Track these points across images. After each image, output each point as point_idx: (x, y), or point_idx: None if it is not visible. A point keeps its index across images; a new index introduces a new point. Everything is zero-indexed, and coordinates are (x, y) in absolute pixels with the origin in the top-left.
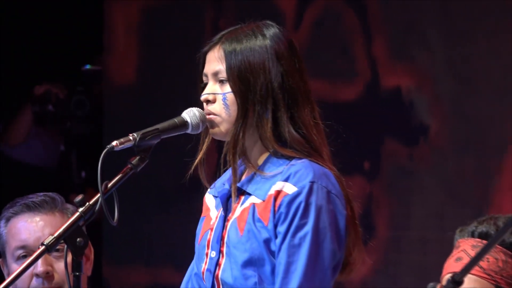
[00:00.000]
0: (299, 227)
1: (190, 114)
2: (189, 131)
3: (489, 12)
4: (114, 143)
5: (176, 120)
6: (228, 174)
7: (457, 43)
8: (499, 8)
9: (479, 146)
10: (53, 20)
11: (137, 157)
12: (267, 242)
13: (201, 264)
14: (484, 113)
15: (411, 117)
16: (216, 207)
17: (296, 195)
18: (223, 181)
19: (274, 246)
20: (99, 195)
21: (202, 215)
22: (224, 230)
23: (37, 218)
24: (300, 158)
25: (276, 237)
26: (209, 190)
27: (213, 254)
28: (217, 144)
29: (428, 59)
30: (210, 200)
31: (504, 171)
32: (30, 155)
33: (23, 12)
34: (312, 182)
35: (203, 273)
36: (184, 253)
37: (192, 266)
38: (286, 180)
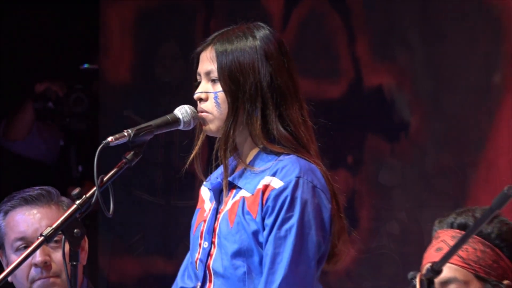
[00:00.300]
0: (285, 220)
1: (182, 111)
2: (181, 127)
3: (466, 13)
4: (109, 138)
5: (168, 117)
6: (222, 168)
7: (436, 43)
8: (475, 10)
9: (456, 142)
10: (53, 22)
11: (132, 152)
12: (255, 234)
13: (194, 254)
14: (462, 110)
15: (392, 114)
16: (210, 200)
17: (282, 190)
18: (217, 174)
19: (262, 238)
20: (95, 188)
21: (198, 207)
22: (216, 222)
23: (35, 211)
24: (288, 154)
25: (263, 229)
26: (204, 183)
27: (206, 244)
28: (209, 140)
29: (408, 59)
30: (205, 193)
31: (480, 166)
32: (32, 149)
33: (25, 17)
34: (298, 177)
35: (196, 262)
36: (176, 244)
37: (189, 256)
38: (274, 175)
